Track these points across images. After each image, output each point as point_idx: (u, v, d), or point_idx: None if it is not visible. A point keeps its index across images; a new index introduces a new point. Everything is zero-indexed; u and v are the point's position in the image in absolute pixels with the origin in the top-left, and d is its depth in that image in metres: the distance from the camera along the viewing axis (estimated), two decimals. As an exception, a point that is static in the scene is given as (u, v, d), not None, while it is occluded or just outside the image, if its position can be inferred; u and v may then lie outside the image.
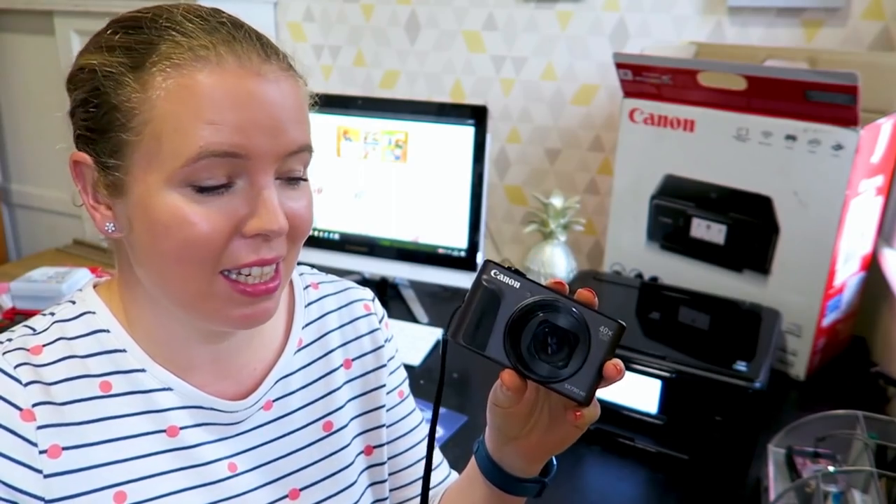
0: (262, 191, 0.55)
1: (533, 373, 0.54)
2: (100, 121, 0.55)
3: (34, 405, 0.55)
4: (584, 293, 0.55)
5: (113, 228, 0.58)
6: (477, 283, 0.55)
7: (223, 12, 0.57)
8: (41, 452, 0.55)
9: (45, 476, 0.55)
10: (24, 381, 0.56)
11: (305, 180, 0.60)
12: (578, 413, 0.55)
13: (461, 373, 1.31)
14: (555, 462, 0.65)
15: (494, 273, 0.55)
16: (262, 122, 0.54)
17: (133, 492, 0.58)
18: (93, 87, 0.55)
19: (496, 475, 0.63)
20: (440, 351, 0.61)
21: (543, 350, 0.53)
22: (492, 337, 0.55)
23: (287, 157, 0.56)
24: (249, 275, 0.57)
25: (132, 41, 0.55)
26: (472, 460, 0.67)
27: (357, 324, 0.74)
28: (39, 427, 0.55)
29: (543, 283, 0.55)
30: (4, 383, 0.55)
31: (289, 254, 0.60)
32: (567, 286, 0.55)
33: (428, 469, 0.64)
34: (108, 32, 0.57)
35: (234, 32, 0.55)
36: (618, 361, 0.54)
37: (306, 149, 0.58)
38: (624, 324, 0.54)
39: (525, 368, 0.54)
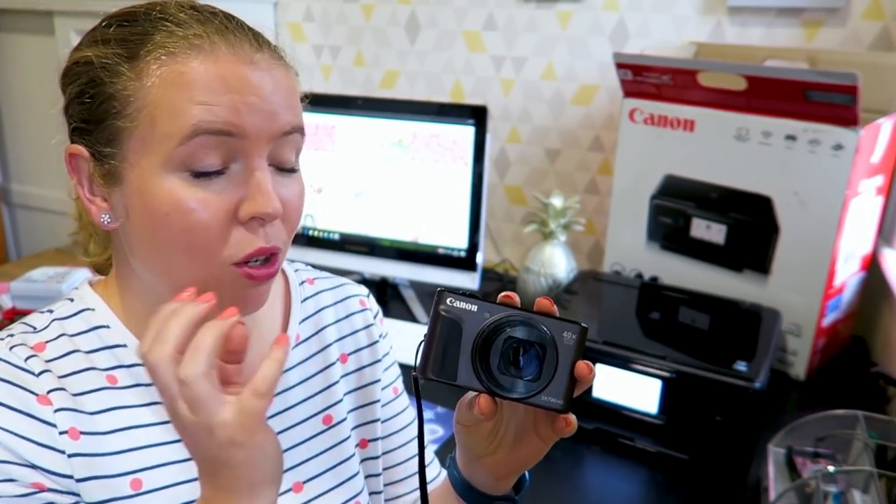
0: (255, 173, 0.55)
1: (507, 392, 0.54)
2: (95, 111, 0.56)
3: (49, 391, 0.56)
4: (542, 302, 0.55)
5: (109, 220, 0.58)
6: (435, 313, 0.55)
7: (214, 6, 0.59)
8: (61, 433, 0.56)
9: (69, 456, 0.56)
10: (36, 372, 0.57)
11: (297, 171, 0.61)
12: (567, 420, 0.55)
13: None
14: (527, 477, 0.65)
15: (450, 301, 0.54)
16: (255, 105, 0.54)
17: (148, 479, 0.58)
18: (89, 79, 0.56)
19: (467, 492, 0.64)
20: (413, 390, 0.61)
21: (514, 366, 0.53)
22: (460, 365, 0.54)
23: (280, 138, 0.57)
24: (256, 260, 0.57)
25: (127, 33, 0.56)
26: (447, 476, 0.67)
27: (353, 319, 0.75)
28: (57, 410, 0.56)
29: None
30: (17, 374, 0.56)
31: (286, 242, 0.60)
32: (518, 298, 0.56)
33: (423, 486, 0.64)
34: (103, 27, 0.58)
35: (226, 23, 0.56)
36: (587, 362, 0.54)
37: (299, 130, 0.59)
38: (585, 325, 0.55)
39: (499, 389, 0.54)
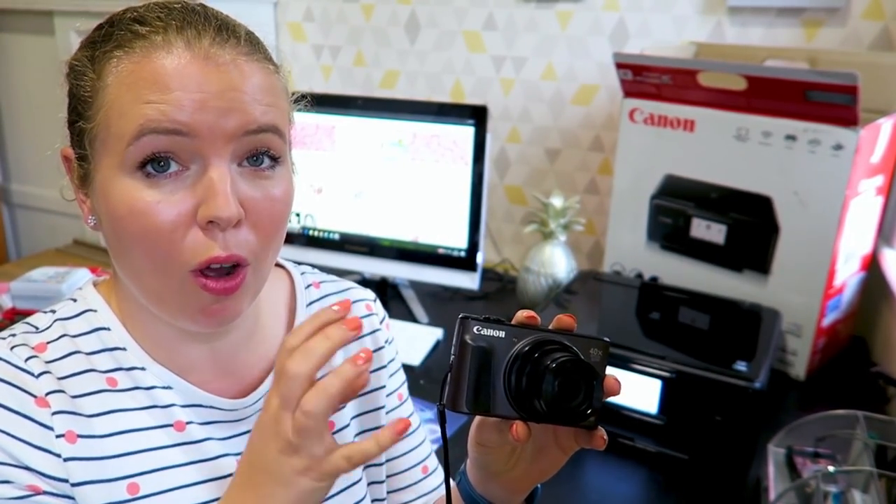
0: (209, 174, 0.53)
1: (548, 418, 0.52)
2: (71, 114, 0.57)
3: (47, 394, 0.56)
4: (564, 320, 0.54)
5: (93, 222, 0.59)
6: (461, 343, 0.52)
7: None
8: (58, 437, 0.55)
9: (65, 459, 0.55)
10: (35, 373, 0.56)
11: (276, 166, 0.57)
12: (604, 437, 0.55)
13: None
14: (539, 487, 0.65)
15: (477, 329, 0.52)
16: (210, 102, 0.52)
17: (146, 484, 0.58)
18: (68, 84, 0.57)
19: None
20: (438, 421, 0.58)
21: (564, 398, 0.51)
22: (494, 394, 0.53)
23: (243, 137, 0.54)
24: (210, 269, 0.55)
25: (97, 35, 0.56)
26: (455, 488, 0.67)
27: None
28: (54, 413, 0.56)
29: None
30: (16, 374, 0.56)
31: (260, 250, 0.57)
32: (539, 318, 0.55)
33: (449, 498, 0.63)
34: (91, 32, 0.58)
35: (187, 17, 0.54)
36: (615, 377, 0.54)
37: (268, 129, 0.55)
38: (608, 339, 0.54)
39: (539, 415, 0.52)
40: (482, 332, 0.53)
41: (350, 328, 0.51)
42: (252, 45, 0.57)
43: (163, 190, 0.53)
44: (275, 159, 0.57)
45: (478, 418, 0.59)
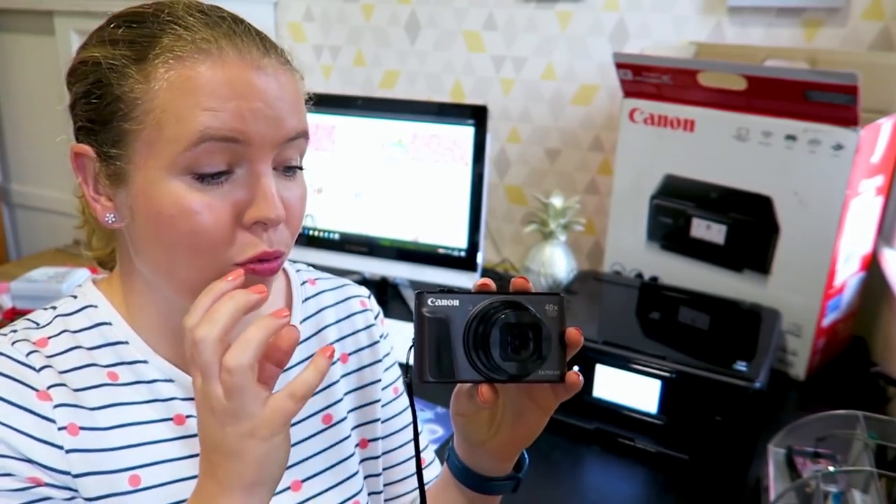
0: (260, 179, 0.56)
1: (509, 377, 0.54)
2: (102, 112, 0.56)
3: (49, 387, 0.57)
4: (518, 282, 0.56)
5: (113, 219, 0.58)
6: (419, 316, 0.54)
7: (223, 8, 0.58)
8: (60, 429, 0.56)
9: (67, 451, 0.56)
10: (37, 367, 0.57)
11: (301, 169, 0.61)
12: (577, 375, 0.56)
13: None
14: (526, 456, 0.66)
15: (432, 301, 0.54)
16: (261, 111, 0.55)
17: (147, 476, 0.59)
18: (96, 80, 0.56)
19: (470, 479, 0.65)
20: (407, 394, 0.62)
21: (513, 350, 0.53)
22: (456, 361, 0.55)
23: (285, 143, 0.57)
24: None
25: (135, 35, 0.56)
26: (446, 466, 0.68)
27: (354, 319, 0.75)
28: (56, 406, 0.56)
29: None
30: (18, 369, 0.56)
31: (289, 245, 0.61)
32: (493, 284, 0.56)
33: (421, 483, 0.64)
34: (111, 27, 0.57)
35: (234, 27, 0.56)
36: (574, 327, 0.56)
37: (303, 135, 0.59)
38: (561, 294, 0.56)
39: (500, 375, 0.54)
40: (437, 304, 0.55)
41: (255, 292, 0.52)
42: (284, 55, 0.59)
43: (212, 192, 0.55)
44: (300, 162, 0.60)
45: (454, 390, 0.60)
